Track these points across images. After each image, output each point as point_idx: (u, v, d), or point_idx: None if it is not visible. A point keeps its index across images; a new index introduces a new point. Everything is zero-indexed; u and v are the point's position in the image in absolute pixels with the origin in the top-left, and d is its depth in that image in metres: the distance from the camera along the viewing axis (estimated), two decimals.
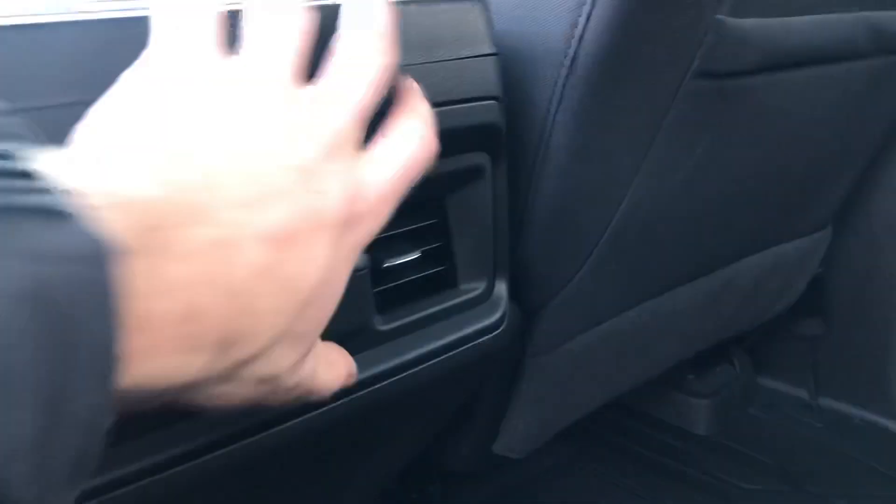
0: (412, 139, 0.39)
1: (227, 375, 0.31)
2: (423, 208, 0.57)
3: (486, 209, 0.58)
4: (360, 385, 0.52)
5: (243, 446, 0.47)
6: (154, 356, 0.27)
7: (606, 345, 0.84)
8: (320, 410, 0.50)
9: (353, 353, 0.51)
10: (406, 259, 0.55)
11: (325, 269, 0.33)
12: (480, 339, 0.59)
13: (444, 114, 0.51)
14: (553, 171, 0.65)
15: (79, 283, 0.23)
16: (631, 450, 1.23)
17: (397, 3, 0.50)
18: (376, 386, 0.53)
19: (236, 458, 0.47)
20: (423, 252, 0.56)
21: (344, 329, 0.50)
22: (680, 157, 0.73)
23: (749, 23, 0.69)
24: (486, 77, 0.54)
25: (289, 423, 0.49)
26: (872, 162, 1.06)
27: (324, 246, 0.33)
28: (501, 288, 0.61)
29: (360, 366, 0.52)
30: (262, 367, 0.32)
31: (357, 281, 0.50)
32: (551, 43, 0.62)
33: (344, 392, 0.51)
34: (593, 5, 0.59)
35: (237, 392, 0.33)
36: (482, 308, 0.59)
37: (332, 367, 0.40)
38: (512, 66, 0.62)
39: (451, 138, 0.52)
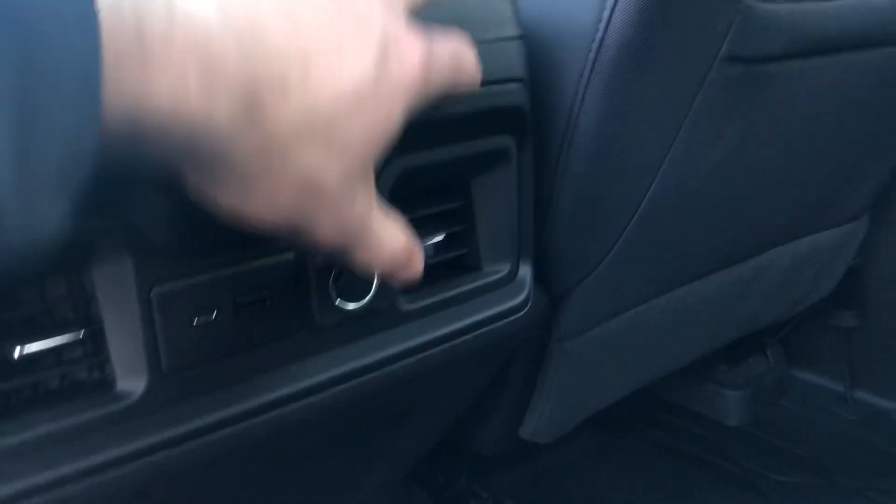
0: (463, 52, 0.40)
1: (258, 146, 0.30)
2: (448, 191, 0.58)
3: (510, 192, 0.59)
4: (385, 362, 0.53)
5: (272, 418, 0.48)
6: (160, 79, 0.27)
7: (634, 332, 0.84)
8: (347, 385, 0.51)
9: (377, 331, 0.52)
10: (431, 241, 0.56)
11: (374, 78, 0.32)
12: (504, 321, 0.59)
13: (468, 95, 0.52)
14: (580, 155, 0.65)
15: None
16: (660, 440, 1.23)
17: None
18: (401, 363, 0.54)
19: (264, 430, 0.48)
20: (447, 234, 0.57)
21: (368, 308, 0.51)
22: (708, 143, 0.72)
23: (780, 7, 0.68)
24: (512, 59, 0.55)
25: (316, 397, 0.50)
26: None
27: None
28: (526, 271, 0.61)
29: (384, 345, 0.53)
30: (300, 161, 0.31)
31: None
32: (579, 27, 0.62)
33: (368, 368, 0.52)
34: None
35: (277, 193, 0.32)
36: (506, 290, 0.60)
37: (389, 230, 0.37)
38: (539, 50, 0.62)
39: (476, 120, 0.53)
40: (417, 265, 0.40)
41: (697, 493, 1.12)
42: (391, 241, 0.38)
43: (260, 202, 0.32)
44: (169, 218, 0.41)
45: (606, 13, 0.61)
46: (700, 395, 1.28)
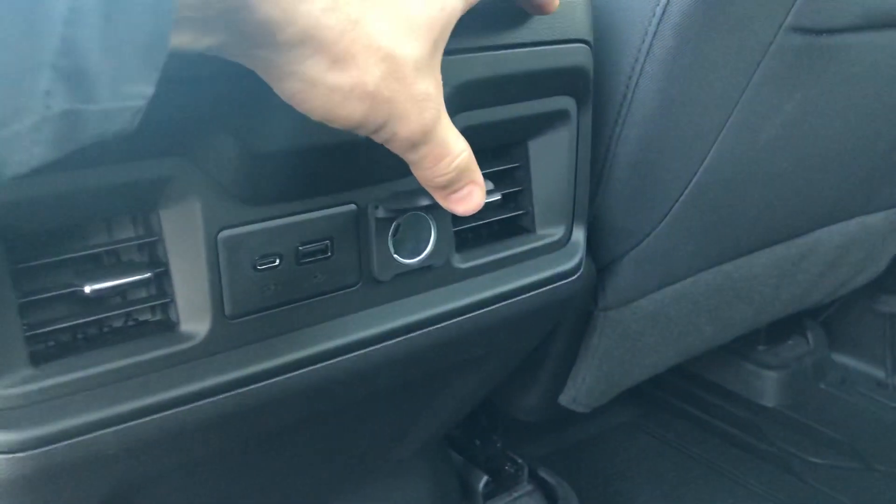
0: None
1: (339, 18, 0.32)
2: (506, 152, 0.58)
3: (568, 155, 0.58)
4: (437, 319, 0.53)
5: (326, 368, 0.49)
6: None
7: (679, 305, 0.84)
8: (400, 339, 0.52)
9: (431, 287, 0.52)
10: (487, 200, 0.56)
11: None
12: (556, 284, 0.59)
13: (532, 54, 0.52)
14: (638, 120, 0.65)
15: None
16: (696, 417, 1.23)
17: None
18: (452, 321, 0.54)
19: (317, 380, 0.49)
20: (503, 195, 0.57)
21: (424, 264, 0.51)
22: (768, 115, 0.71)
23: None
24: (577, 20, 0.54)
25: (370, 349, 0.50)
26: None
27: None
28: (579, 235, 0.61)
29: (437, 301, 0.53)
30: (376, 30, 0.33)
31: (438, 218, 0.51)
32: None
33: (421, 324, 0.52)
34: None
35: (364, 73, 0.33)
36: (559, 254, 0.60)
37: (454, 132, 0.39)
38: (601, 12, 0.61)
39: (539, 79, 0.53)
40: (478, 183, 0.41)
41: (731, 471, 1.12)
42: (456, 143, 0.39)
43: (348, 87, 0.34)
44: (238, 163, 0.42)
45: None
46: (738, 374, 1.27)
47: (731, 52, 0.66)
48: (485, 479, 0.93)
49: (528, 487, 0.95)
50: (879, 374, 1.28)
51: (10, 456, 0.40)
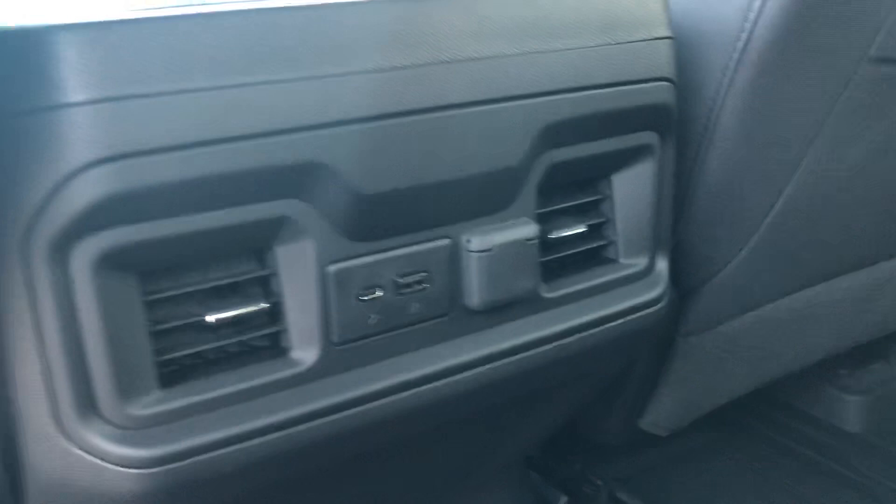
0: None
1: None
2: (591, 184, 0.60)
3: (651, 187, 0.60)
4: (525, 347, 0.56)
5: (423, 392, 0.52)
6: None
7: (759, 330, 0.84)
8: (489, 366, 0.54)
9: (520, 317, 0.55)
10: (572, 232, 0.58)
11: None
12: (639, 314, 0.61)
13: (618, 94, 0.54)
14: (718, 153, 0.66)
15: None
16: (776, 441, 1.21)
17: None
18: (540, 349, 0.56)
19: (414, 404, 0.52)
20: (588, 226, 0.59)
21: (513, 294, 0.54)
22: (850, 143, 0.72)
23: None
24: (661, 59, 0.56)
25: (462, 375, 0.53)
26: None
27: None
28: (662, 265, 0.63)
29: (526, 330, 0.56)
30: None
31: (527, 249, 0.53)
32: (725, 25, 0.63)
33: (510, 352, 0.55)
34: None
35: None
36: (643, 283, 0.62)
37: None
38: (682, 47, 0.63)
39: (623, 117, 0.55)
40: None
41: (811, 497, 1.11)
42: None
43: None
44: (348, 203, 0.45)
45: (754, 14, 0.61)
46: (819, 398, 1.25)
47: (812, 84, 0.67)
48: (564, 499, 0.94)
49: None
50: None
51: (139, 472, 0.44)
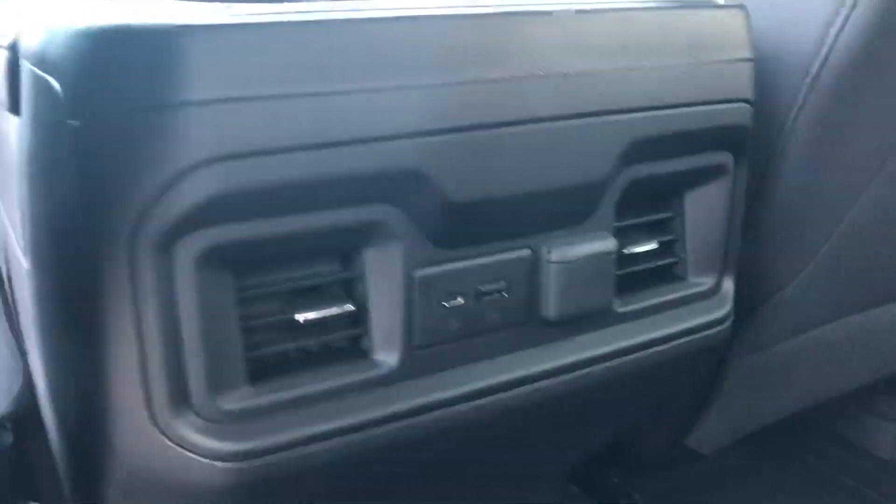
0: None
1: None
2: (664, 202, 0.60)
3: (723, 207, 0.61)
4: (597, 360, 0.56)
5: (499, 400, 0.52)
6: None
7: (810, 353, 0.84)
8: (561, 378, 0.55)
9: (593, 329, 0.55)
10: (645, 248, 0.59)
11: None
12: (705, 333, 0.61)
13: (700, 113, 0.55)
14: (786, 175, 0.67)
15: None
16: (810, 464, 1.21)
17: (667, 8, 0.53)
18: (609, 363, 0.57)
19: (488, 411, 0.52)
20: (659, 243, 0.60)
21: (589, 307, 0.54)
22: None
23: None
24: (743, 80, 0.56)
25: (536, 385, 0.54)
26: None
27: None
28: (729, 285, 0.63)
29: (598, 343, 0.56)
30: None
31: (605, 263, 0.54)
32: (801, 47, 0.63)
33: (583, 363, 0.55)
34: (853, 8, 0.60)
35: None
36: (709, 302, 0.62)
37: None
38: (757, 67, 0.64)
39: (702, 137, 0.56)
40: None
41: None
42: None
43: None
44: (440, 211, 0.46)
45: (832, 34, 0.62)
46: (856, 424, 1.24)
47: (882, 111, 0.67)
48: None
49: None
50: None
51: (226, 465, 0.44)
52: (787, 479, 1.19)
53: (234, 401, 0.44)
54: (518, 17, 0.47)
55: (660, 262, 0.60)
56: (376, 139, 0.43)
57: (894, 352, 0.95)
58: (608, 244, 0.54)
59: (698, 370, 0.71)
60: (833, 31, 0.62)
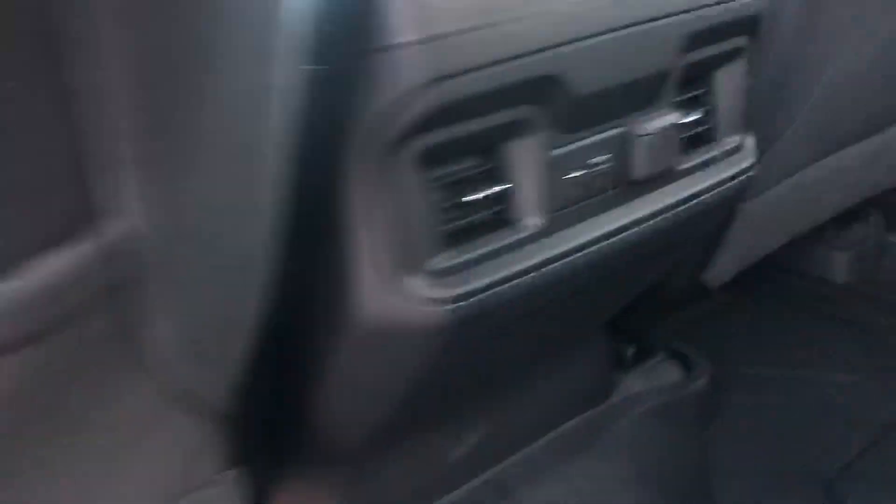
0: None
1: None
2: (701, 80, 0.77)
3: (741, 80, 0.78)
4: (667, 209, 0.73)
5: (601, 248, 0.69)
6: None
7: (792, 194, 1.04)
8: (645, 225, 0.72)
9: (663, 186, 0.72)
10: (693, 118, 0.75)
11: None
12: (738, 180, 0.79)
13: (729, 9, 0.71)
14: (777, 49, 0.84)
15: None
16: (779, 295, 1.44)
17: None
18: (674, 211, 0.74)
19: (592, 258, 0.69)
20: (702, 112, 0.76)
21: (665, 166, 0.71)
22: (868, 41, 0.90)
23: None
24: None
25: (627, 233, 0.71)
26: None
27: None
28: (750, 141, 0.81)
29: (667, 196, 0.73)
30: None
31: (673, 132, 0.71)
32: None
33: (658, 213, 0.72)
34: None
35: None
36: (738, 156, 0.80)
37: None
38: None
39: (729, 27, 0.72)
40: None
41: (818, 337, 1.34)
42: None
43: None
44: (566, 105, 0.62)
45: None
46: (811, 257, 1.48)
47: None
48: (632, 349, 1.15)
49: (664, 357, 1.17)
50: None
51: (445, 307, 0.60)
52: (760, 310, 1.42)
53: (440, 261, 0.60)
54: None
55: (703, 128, 0.77)
56: (526, 54, 0.58)
57: (853, 187, 1.16)
58: (673, 117, 0.70)
59: (723, 214, 0.90)
60: None
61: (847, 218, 1.49)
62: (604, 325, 1.07)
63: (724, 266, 1.05)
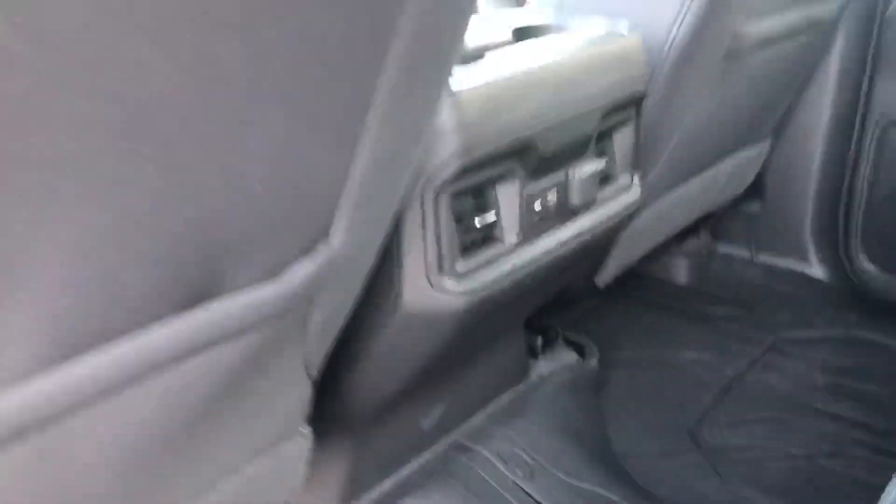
0: None
1: None
2: (606, 138, 1.10)
3: (631, 136, 1.12)
4: (588, 229, 1.06)
5: (552, 256, 1.01)
6: None
7: (655, 214, 1.41)
8: (576, 241, 1.04)
9: (588, 212, 1.05)
10: (602, 165, 1.08)
11: None
12: (629, 208, 1.13)
13: (625, 95, 1.05)
14: (648, 113, 1.19)
15: None
16: (637, 296, 1.82)
17: (593, 44, 1.02)
18: (593, 230, 1.07)
19: (553, 260, 1.01)
20: (606, 160, 1.10)
21: (590, 198, 1.04)
22: (707, 101, 1.28)
23: None
24: (641, 77, 1.07)
25: (566, 247, 1.03)
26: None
27: None
28: (637, 178, 1.16)
29: (590, 219, 1.06)
30: None
31: (594, 174, 1.03)
32: (657, 34, 1.15)
33: (585, 231, 1.05)
34: (689, 6, 1.13)
35: None
36: (630, 191, 1.14)
37: None
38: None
39: (621, 106, 1.06)
40: None
41: (671, 325, 1.73)
42: None
43: None
44: (534, 158, 0.93)
45: (675, 28, 1.14)
46: (661, 263, 1.88)
47: (698, 73, 1.21)
48: (539, 339, 1.47)
49: (563, 344, 1.51)
50: (746, 254, 1.93)
51: (463, 298, 0.89)
52: (629, 307, 1.79)
53: (460, 265, 0.89)
54: None
55: (608, 172, 1.10)
56: (519, 131, 0.88)
57: (694, 209, 1.55)
58: (593, 164, 1.03)
59: (617, 230, 1.24)
60: (675, 25, 1.14)
61: (684, 232, 1.90)
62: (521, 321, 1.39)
63: (609, 271, 1.40)
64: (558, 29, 1.05)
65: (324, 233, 0.62)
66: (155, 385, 0.54)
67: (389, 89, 0.53)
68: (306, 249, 0.62)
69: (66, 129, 0.36)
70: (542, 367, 1.45)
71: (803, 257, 1.84)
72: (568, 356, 1.50)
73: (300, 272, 0.62)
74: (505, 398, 1.34)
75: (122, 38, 0.36)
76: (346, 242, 0.64)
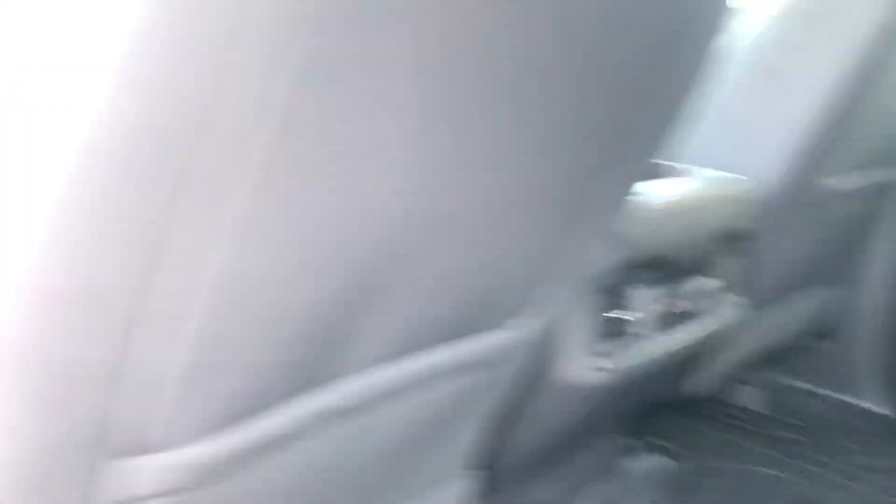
0: None
1: None
2: (716, 260, 1.32)
3: (739, 262, 1.34)
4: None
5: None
6: None
7: (748, 335, 1.60)
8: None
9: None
10: (710, 284, 1.30)
11: None
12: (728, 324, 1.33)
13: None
14: None
15: None
16: (718, 414, 1.97)
17: None
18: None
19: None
20: None
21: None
22: None
23: None
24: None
25: None
26: None
27: None
28: (740, 298, 1.36)
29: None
30: None
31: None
32: None
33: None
34: None
35: None
36: (734, 308, 1.34)
37: None
38: None
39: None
40: None
41: (745, 447, 1.86)
42: None
43: None
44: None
45: None
46: (737, 391, 2.04)
47: None
48: (629, 439, 1.63)
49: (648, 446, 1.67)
50: (815, 388, 2.08)
51: (606, 374, 1.09)
52: (706, 421, 1.94)
53: (597, 347, 1.10)
54: None
55: (718, 287, 1.31)
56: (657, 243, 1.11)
57: (778, 336, 1.74)
58: (711, 282, 1.24)
59: (718, 340, 1.43)
60: (778, 176, 1.37)
61: (759, 364, 2.06)
62: None
63: (699, 381, 1.59)
64: (684, 172, 1.29)
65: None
66: (395, 407, 0.63)
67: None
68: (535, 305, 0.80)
69: None
70: (631, 465, 1.62)
71: (869, 395, 2.01)
72: (655, 459, 1.66)
73: (526, 325, 0.82)
74: (599, 488, 1.51)
75: None
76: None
